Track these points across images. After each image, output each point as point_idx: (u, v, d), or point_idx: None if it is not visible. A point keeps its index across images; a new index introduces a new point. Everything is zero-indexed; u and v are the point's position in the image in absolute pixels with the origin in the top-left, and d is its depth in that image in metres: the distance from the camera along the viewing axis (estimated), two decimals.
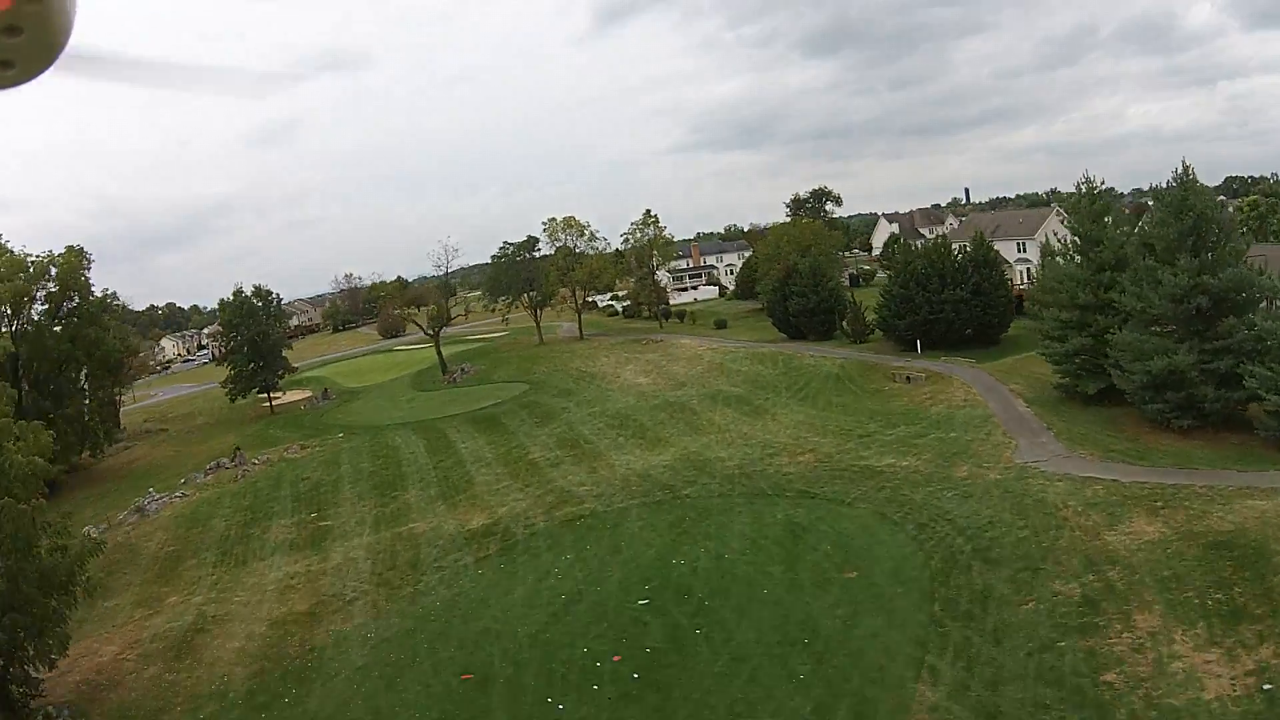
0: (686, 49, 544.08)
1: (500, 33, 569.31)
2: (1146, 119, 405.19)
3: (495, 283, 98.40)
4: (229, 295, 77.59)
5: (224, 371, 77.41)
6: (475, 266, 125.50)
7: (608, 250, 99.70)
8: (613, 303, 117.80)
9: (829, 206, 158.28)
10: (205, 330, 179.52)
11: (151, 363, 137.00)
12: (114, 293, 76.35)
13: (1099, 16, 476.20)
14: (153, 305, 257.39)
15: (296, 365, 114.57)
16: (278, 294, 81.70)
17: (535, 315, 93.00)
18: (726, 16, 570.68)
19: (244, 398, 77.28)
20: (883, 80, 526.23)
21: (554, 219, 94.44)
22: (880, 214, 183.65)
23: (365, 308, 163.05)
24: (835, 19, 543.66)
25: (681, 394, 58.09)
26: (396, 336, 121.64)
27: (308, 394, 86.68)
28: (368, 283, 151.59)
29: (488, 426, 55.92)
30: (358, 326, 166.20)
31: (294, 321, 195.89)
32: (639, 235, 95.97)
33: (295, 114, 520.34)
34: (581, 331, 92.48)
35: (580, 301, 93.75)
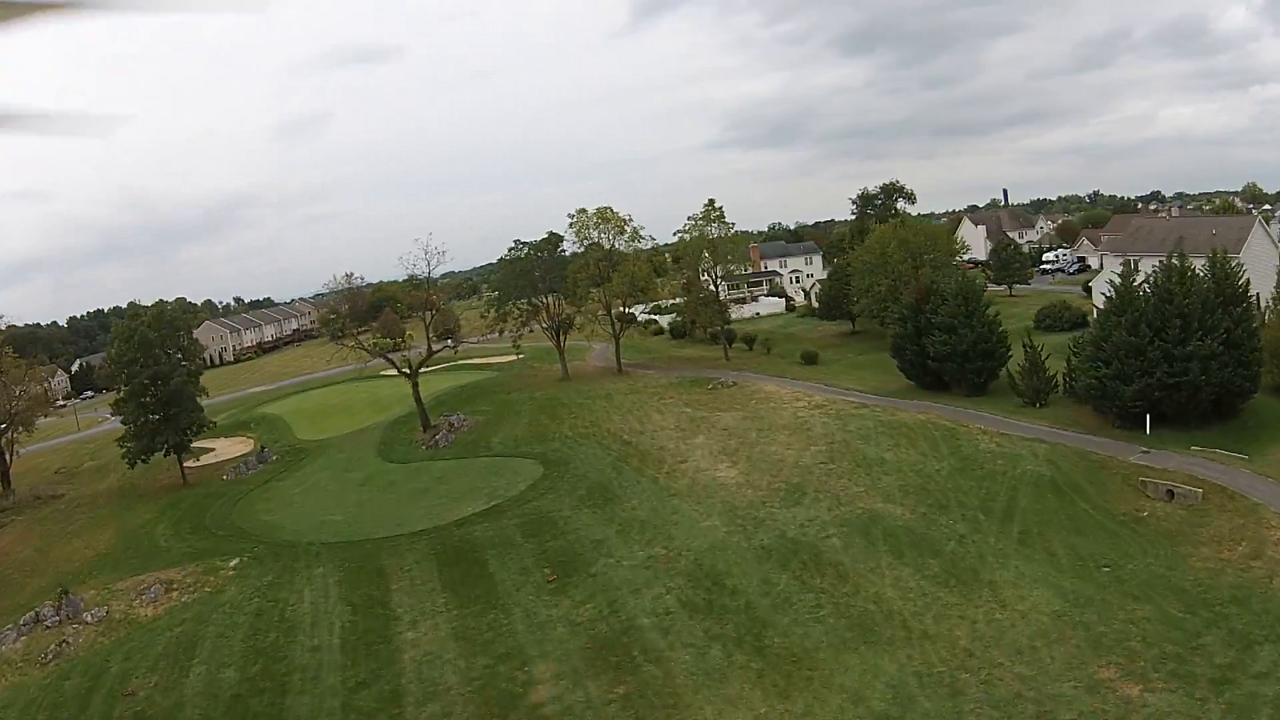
0: (723, 45, 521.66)
1: (536, 27, 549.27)
2: (1177, 122, 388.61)
3: (504, 293, 74.60)
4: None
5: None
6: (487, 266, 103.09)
7: (653, 250, 75.82)
8: (655, 317, 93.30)
9: (900, 204, 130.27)
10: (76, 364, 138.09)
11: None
12: None
13: (1133, 19, 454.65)
14: (161, 300, 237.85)
15: (263, 387, 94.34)
16: (190, 309, 58.98)
17: (558, 340, 69.11)
18: (764, 12, 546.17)
19: (144, 461, 54.64)
20: (915, 79, 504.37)
21: (583, 211, 70.59)
22: (957, 212, 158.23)
23: (374, 308, 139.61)
24: (872, 16, 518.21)
25: (804, 516, 33.52)
26: (395, 351, 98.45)
27: (247, 447, 64.02)
28: (372, 282, 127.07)
29: (463, 582, 31.68)
30: (357, 334, 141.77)
31: (293, 325, 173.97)
32: (696, 234, 71.64)
33: (323, 108, 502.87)
34: (620, 362, 68.65)
35: (620, 324, 69.70)
